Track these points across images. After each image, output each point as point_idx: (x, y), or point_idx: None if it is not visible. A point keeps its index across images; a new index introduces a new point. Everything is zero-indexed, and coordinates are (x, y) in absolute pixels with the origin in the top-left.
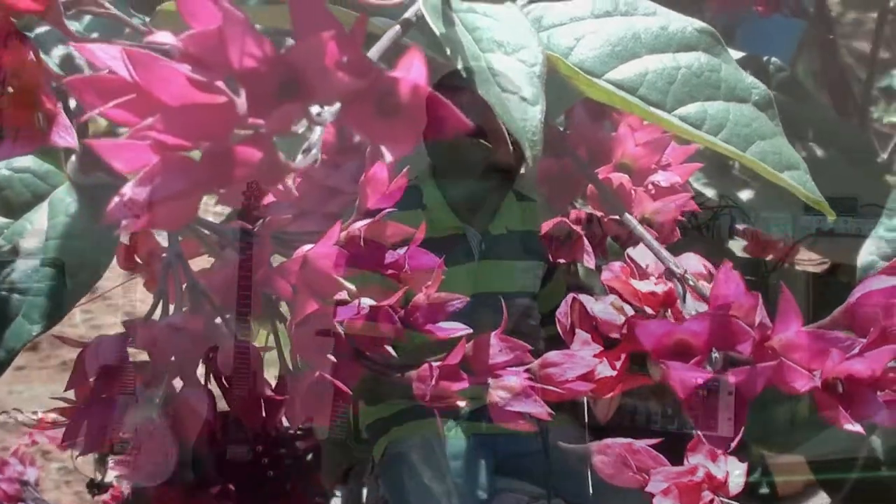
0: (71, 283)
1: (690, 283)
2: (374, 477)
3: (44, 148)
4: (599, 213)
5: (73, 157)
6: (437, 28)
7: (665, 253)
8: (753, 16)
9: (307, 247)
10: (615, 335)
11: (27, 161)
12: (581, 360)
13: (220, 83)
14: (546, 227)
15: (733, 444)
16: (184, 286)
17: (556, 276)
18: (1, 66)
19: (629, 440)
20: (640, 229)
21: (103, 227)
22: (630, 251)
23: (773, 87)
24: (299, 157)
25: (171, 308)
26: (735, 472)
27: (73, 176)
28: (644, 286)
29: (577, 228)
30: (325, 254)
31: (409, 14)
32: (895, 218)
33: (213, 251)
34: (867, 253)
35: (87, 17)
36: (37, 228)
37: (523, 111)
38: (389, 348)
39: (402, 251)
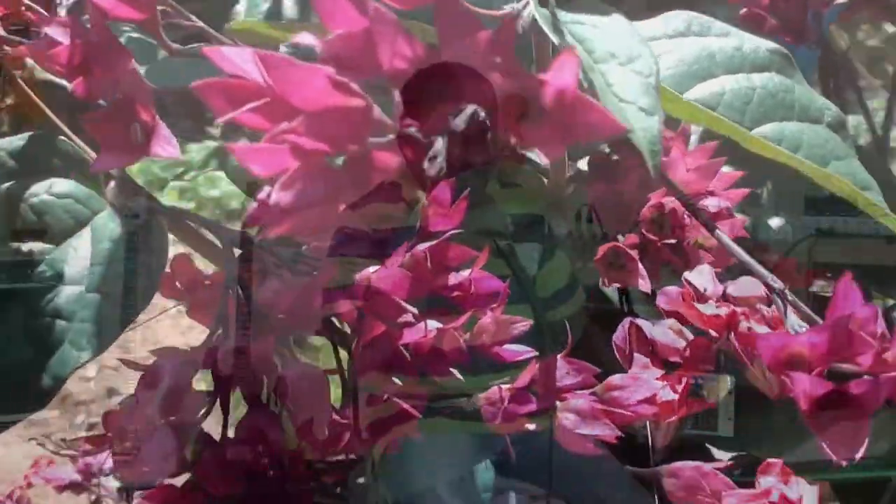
0: (117, 310)
1: (789, 297)
2: (373, 477)
3: (84, 172)
4: (654, 238)
5: (113, 183)
6: (554, 39)
7: (761, 269)
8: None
9: (371, 269)
10: (675, 359)
11: (68, 186)
12: (646, 382)
13: (356, 86)
14: (601, 251)
15: (858, 456)
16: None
17: (557, 255)
18: (98, 78)
19: (698, 463)
20: (734, 246)
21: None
22: (687, 275)
23: None
24: (425, 163)
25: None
26: (808, 495)
27: (114, 200)
28: (708, 309)
29: (632, 253)
30: (390, 277)
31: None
32: None
33: (269, 271)
34: None
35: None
36: (80, 254)
37: (642, 121)
38: (455, 371)
39: (466, 273)
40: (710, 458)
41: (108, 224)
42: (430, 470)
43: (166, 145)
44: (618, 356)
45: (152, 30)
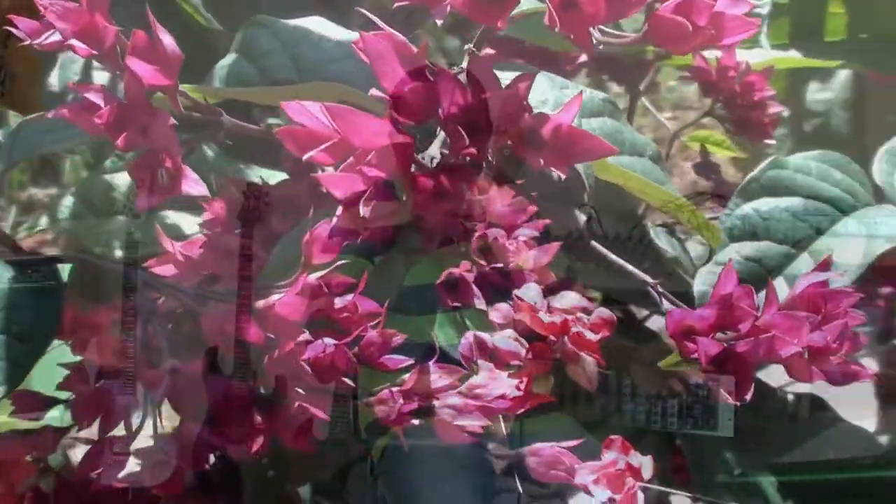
0: (25, 349)
1: (660, 290)
2: (373, 477)
3: None
4: (483, 264)
5: None
6: None
7: (635, 270)
8: None
9: (275, 297)
10: (515, 362)
11: None
12: (501, 382)
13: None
14: (441, 277)
15: (748, 396)
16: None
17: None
18: (132, 133)
19: (554, 444)
20: (610, 255)
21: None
22: (517, 292)
23: None
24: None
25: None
26: (646, 464)
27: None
28: (547, 318)
29: (467, 277)
30: (290, 303)
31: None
32: (724, 252)
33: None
34: (700, 283)
35: None
36: None
37: None
38: (347, 380)
39: (349, 297)
40: None
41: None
42: (428, 470)
43: (195, 185)
44: (463, 363)
45: (171, 95)
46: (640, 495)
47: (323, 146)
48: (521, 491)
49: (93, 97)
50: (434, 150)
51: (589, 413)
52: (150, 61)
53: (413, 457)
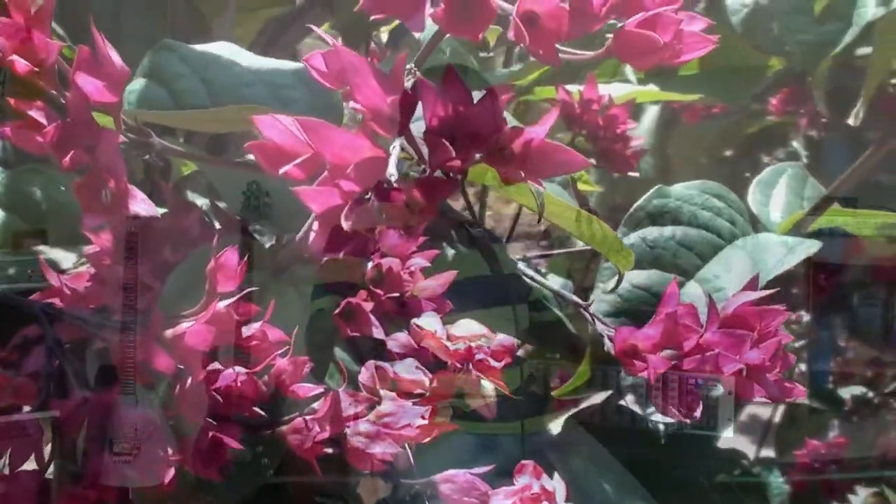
0: None
1: (591, 311)
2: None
3: None
4: (378, 293)
5: None
6: None
7: (565, 292)
8: None
9: (185, 325)
10: (418, 391)
11: None
12: (409, 411)
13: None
14: (340, 307)
15: (699, 413)
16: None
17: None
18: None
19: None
20: (540, 278)
21: None
22: (416, 320)
23: None
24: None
25: None
26: (559, 486)
27: None
28: (452, 345)
29: (364, 306)
30: (198, 332)
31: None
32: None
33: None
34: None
35: None
36: None
37: None
38: (257, 409)
39: (257, 325)
40: None
41: None
42: (429, 470)
43: (143, 204)
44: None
45: (115, 113)
46: None
47: (296, 161)
48: None
49: (36, 115)
50: (391, 168)
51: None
52: (97, 77)
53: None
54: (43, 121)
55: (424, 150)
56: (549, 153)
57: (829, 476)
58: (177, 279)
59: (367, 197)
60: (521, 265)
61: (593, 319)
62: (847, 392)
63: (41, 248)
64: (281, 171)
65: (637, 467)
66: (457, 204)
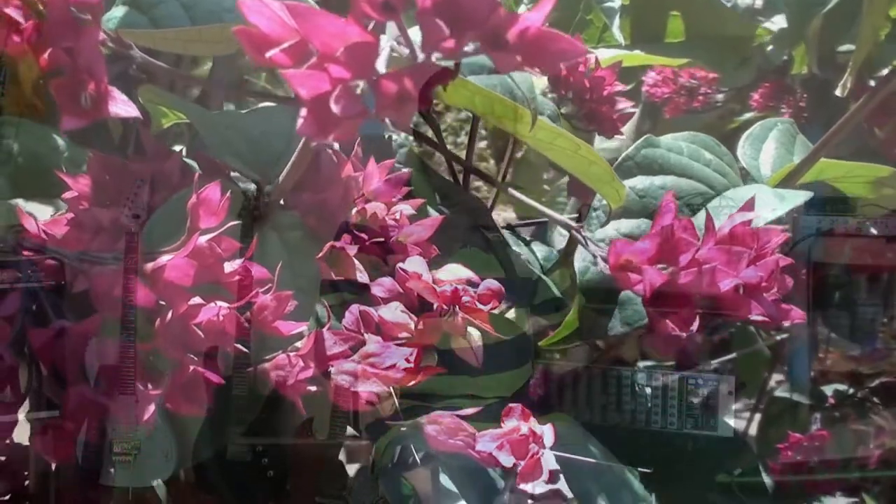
0: None
1: (583, 234)
2: (374, 477)
3: None
4: (364, 237)
5: None
6: None
7: (558, 216)
8: None
9: (165, 258)
10: (403, 334)
11: None
12: (394, 352)
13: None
14: (324, 250)
15: (695, 327)
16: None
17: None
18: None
19: (452, 412)
20: (531, 202)
21: None
22: (401, 265)
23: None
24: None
25: None
26: (547, 431)
27: None
28: (438, 287)
29: (349, 250)
30: (178, 266)
31: None
32: (602, 231)
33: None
34: (580, 260)
35: None
36: None
37: None
38: (239, 345)
39: (238, 262)
40: None
41: None
42: (429, 470)
43: (124, 106)
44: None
45: (96, 16)
46: (544, 461)
47: (283, 46)
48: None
49: (13, 13)
50: (380, 64)
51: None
52: None
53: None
54: (20, 19)
55: (416, 41)
56: (546, 41)
57: (812, 469)
58: (157, 223)
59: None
60: (507, 233)
61: (585, 241)
62: (829, 389)
63: (18, 201)
64: (267, 55)
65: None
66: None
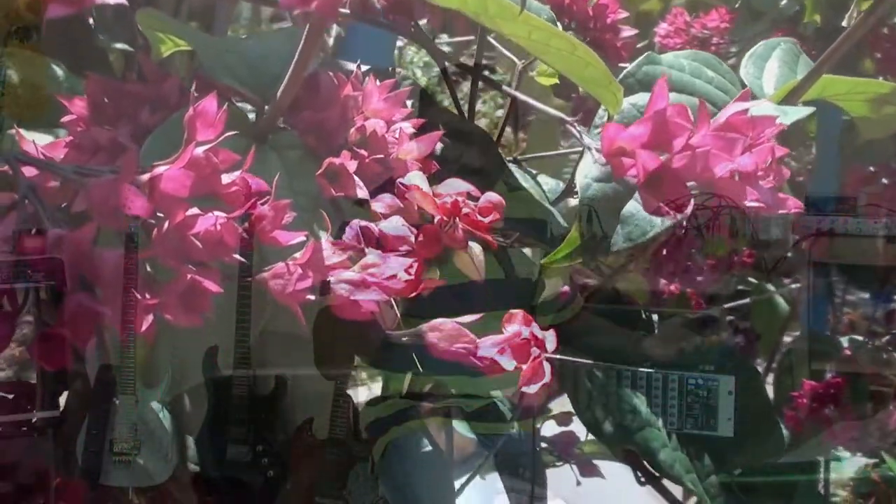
0: None
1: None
2: (374, 477)
3: None
4: (363, 154)
5: None
6: None
7: (556, 112)
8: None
9: (161, 168)
10: (404, 247)
11: None
12: (394, 262)
13: None
14: (323, 166)
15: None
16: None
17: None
18: None
19: (455, 321)
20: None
21: None
22: (401, 180)
23: None
24: None
25: None
26: (549, 336)
27: None
28: (440, 199)
29: (349, 167)
30: (175, 177)
31: None
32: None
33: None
34: (582, 176)
35: None
36: None
37: None
38: (237, 256)
39: (236, 174)
40: None
41: None
42: (429, 469)
43: None
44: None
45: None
46: (547, 365)
47: None
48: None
49: None
50: None
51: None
52: None
53: (413, 456)
54: None
55: None
56: None
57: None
58: (156, 141)
59: None
60: (514, 167)
61: (580, 135)
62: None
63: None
64: None
65: None
66: None
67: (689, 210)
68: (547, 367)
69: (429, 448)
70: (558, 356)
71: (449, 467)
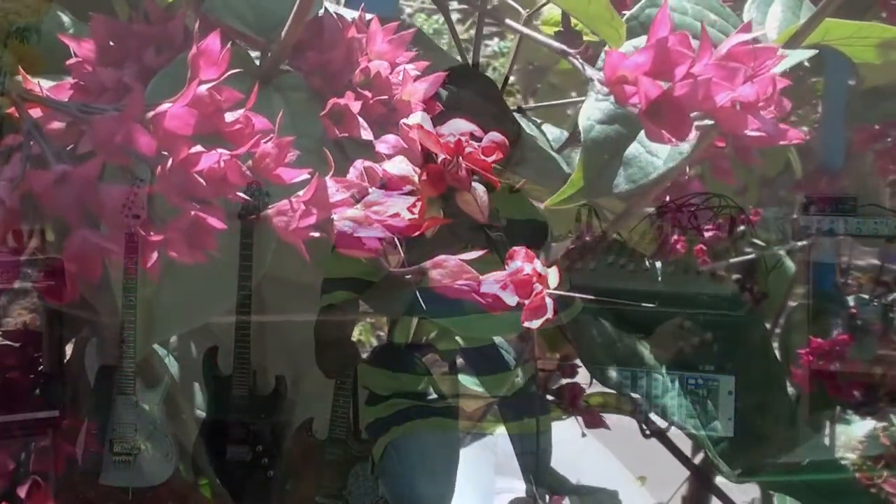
0: None
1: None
2: (374, 477)
3: None
4: (367, 95)
5: None
6: None
7: (553, 42)
8: None
9: (164, 106)
10: (408, 187)
11: None
12: (397, 200)
13: None
14: (327, 107)
15: (690, 134)
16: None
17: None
18: None
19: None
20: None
21: None
22: (404, 120)
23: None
24: None
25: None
26: (552, 273)
27: None
28: (443, 138)
29: (353, 108)
30: (179, 115)
31: None
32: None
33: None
34: (585, 118)
35: None
36: None
37: None
38: (241, 194)
39: (239, 112)
40: None
41: None
42: (429, 469)
43: None
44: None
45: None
46: (549, 301)
47: None
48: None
49: None
50: None
51: None
52: None
53: (413, 456)
54: None
55: None
56: None
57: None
58: (161, 82)
59: None
60: (519, 116)
61: (583, 66)
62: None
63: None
64: None
65: None
66: None
67: (692, 136)
68: (549, 302)
69: (429, 448)
70: (560, 292)
71: (449, 467)
